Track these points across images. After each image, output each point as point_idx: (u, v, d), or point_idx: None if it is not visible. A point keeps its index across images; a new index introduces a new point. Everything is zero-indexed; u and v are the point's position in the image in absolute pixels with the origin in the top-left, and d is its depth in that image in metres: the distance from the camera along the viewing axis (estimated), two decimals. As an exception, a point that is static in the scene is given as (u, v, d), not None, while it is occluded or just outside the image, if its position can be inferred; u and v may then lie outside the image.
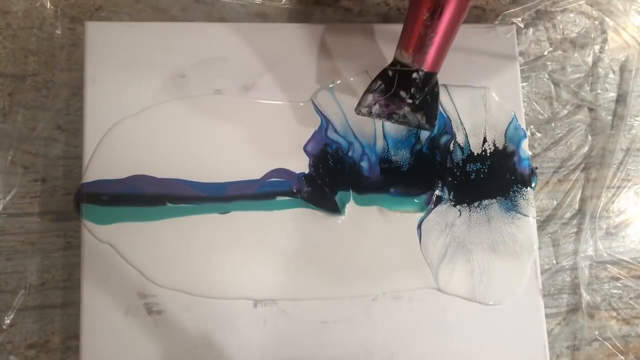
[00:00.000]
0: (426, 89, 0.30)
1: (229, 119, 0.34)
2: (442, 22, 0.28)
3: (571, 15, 0.42)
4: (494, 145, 0.36)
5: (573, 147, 0.40)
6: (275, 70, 0.35)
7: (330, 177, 0.34)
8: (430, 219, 0.35)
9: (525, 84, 0.40)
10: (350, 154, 0.35)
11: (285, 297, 0.33)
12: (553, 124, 0.40)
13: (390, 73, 0.30)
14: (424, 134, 0.36)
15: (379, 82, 0.30)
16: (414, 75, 0.29)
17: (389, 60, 0.36)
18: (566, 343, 0.38)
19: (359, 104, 0.31)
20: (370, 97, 0.31)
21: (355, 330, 0.33)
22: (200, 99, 0.34)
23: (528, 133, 0.38)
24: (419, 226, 0.35)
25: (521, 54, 0.40)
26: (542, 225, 0.39)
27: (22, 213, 0.34)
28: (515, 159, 0.36)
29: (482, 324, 0.34)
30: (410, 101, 0.30)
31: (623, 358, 0.38)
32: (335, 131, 0.35)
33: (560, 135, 0.40)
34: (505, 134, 0.36)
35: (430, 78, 0.30)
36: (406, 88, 0.30)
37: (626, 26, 0.42)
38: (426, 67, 0.29)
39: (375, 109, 0.31)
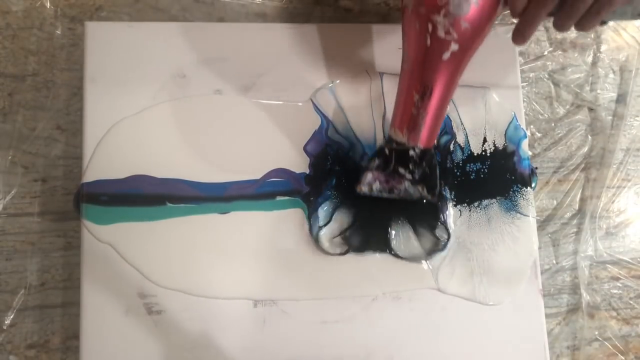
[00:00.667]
0: (424, 162, 0.30)
1: (229, 119, 0.34)
2: (433, 102, 0.28)
3: (571, 15, 0.42)
4: (494, 145, 0.36)
5: (573, 147, 0.40)
6: (275, 70, 0.35)
7: (329, 179, 0.34)
8: (430, 219, 0.35)
9: (525, 84, 0.40)
10: (351, 154, 0.35)
11: (285, 297, 0.33)
12: (553, 124, 0.40)
13: (386, 151, 0.31)
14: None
15: (377, 160, 0.31)
16: (411, 152, 0.30)
17: (389, 60, 0.36)
18: (566, 343, 0.38)
19: (360, 182, 0.32)
20: (370, 176, 0.31)
21: (355, 330, 0.33)
22: (200, 99, 0.34)
23: (528, 133, 0.38)
24: (419, 226, 0.35)
25: (521, 54, 0.40)
26: (542, 225, 0.39)
27: (22, 213, 0.34)
28: (515, 159, 0.36)
29: (482, 324, 0.34)
30: (409, 176, 0.31)
31: (623, 358, 0.38)
32: (337, 131, 0.35)
33: (560, 135, 0.40)
34: (505, 134, 0.36)
35: (426, 153, 0.30)
36: (404, 164, 0.30)
37: (626, 26, 0.42)
38: (421, 144, 0.30)
39: (376, 186, 0.31)
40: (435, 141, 0.35)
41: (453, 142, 0.36)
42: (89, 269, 0.31)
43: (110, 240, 0.32)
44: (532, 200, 0.36)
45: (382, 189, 0.32)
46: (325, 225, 0.33)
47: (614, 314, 0.39)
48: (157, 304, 0.32)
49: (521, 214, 0.36)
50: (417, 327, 0.34)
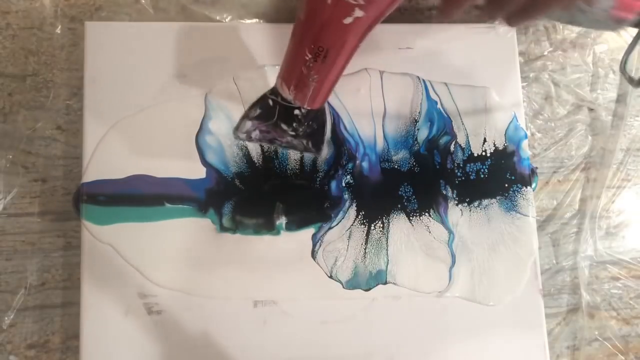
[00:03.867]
0: (310, 121, 0.28)
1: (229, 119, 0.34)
2: (326, 65, 0.25)
3: (571, 15, 0.41)
4: (494, 145, 0.36)
5: (573, 147, 0.40)
6: (275, 70, 0.35)
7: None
8: (430, 219, 0.35)
9: (525, 84, 0.40)
10: (355, 153, 0.35)
11: (285, 297, 0.33)
12: (553, 124, 0.40)
13: (270, 102, 0.28)
14: (422, 135, 0.35)
15: (258, 110, 0.29)
16: (296, 111, 0.27)
17: (388, 59, 0.36)
18: (566, 343, 0.38)
19: (237, 128, 0.29)
20: (249, 124, 0.29)
21: (355, 330, 0.33)
22: (200, 99, 0.34)
23: (528, 133, 0.38)
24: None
25: (521, 54, 0.40)
26: (542, 225, 0.39)
27: (22, 213, 0.34)
28: (515, 159, 0.36)
29: (482, 324, 0.34)
30: (292, 133, 0.29)
31: (623, 358, 0.38)
32: (345, 128, 0.35)
33: (560, 135, 0.40)
34: (505, 134, 0.36)
35: (314, 112, 0.28)
36: (287, 121, 0.28)
37: (626, 27, 0.42)
38: (308, 105, 0.27)
39: (255, 134, 0.29)
40: (435, 141, 0.36)
41: (454, 142, 0.36)
42: (89, 269, 0.32)
43: (110, 240, 0.32)
44: (532, 200, 0.36)
45: (262, 138, 0.29)
46: (338, 223, 0.34)
47: (614, 314, 0.39)
48: (157, 304, 0.32)
49: (521, 214, 0.36)
50: (417, 327, 0.34)
